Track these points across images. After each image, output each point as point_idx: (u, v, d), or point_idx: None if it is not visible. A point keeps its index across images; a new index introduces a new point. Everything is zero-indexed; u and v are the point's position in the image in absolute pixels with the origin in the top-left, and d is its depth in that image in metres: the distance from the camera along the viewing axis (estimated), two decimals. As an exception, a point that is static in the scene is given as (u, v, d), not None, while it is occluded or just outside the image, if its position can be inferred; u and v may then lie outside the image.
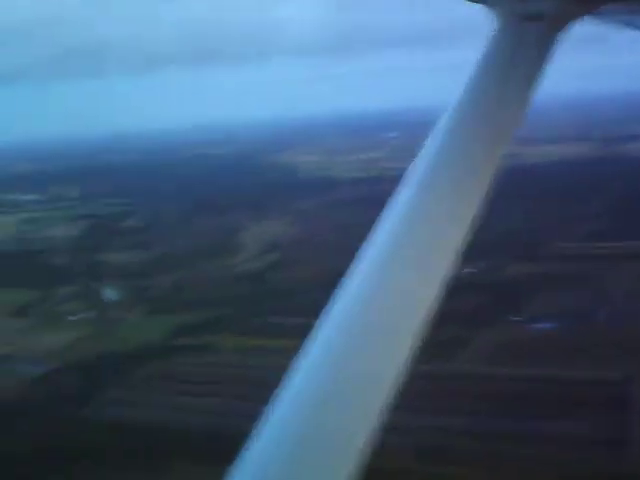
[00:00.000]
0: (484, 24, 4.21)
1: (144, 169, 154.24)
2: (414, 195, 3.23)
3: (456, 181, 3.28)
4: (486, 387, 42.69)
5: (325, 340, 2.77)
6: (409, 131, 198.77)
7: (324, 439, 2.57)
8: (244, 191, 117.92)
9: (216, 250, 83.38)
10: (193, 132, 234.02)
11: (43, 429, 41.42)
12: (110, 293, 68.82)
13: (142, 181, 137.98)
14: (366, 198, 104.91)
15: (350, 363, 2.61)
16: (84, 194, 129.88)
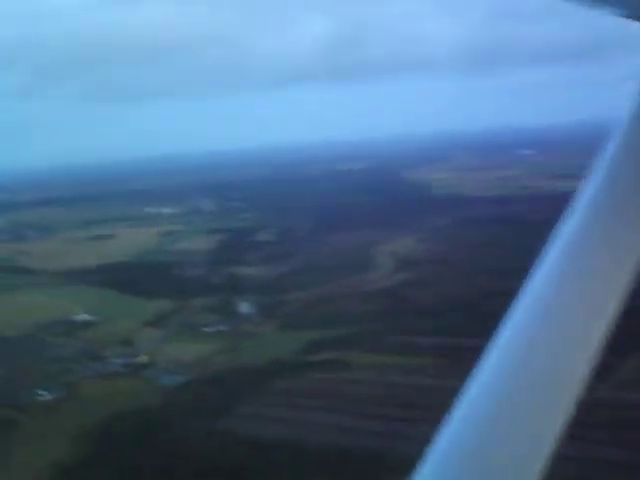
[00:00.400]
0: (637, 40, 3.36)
1: (277, 183, 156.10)
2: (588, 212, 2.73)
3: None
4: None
5: (499, 361, 2.54)
6: (545, 149, 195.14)
7: (499, 463, 2.35)
8: (376, 207, 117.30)
9: (349, 266, 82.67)
10: (325, 148, 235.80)
11: (179, 442, 41.47)
12: (244, 307, 69.11)
13: (275, 195, 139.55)
14: (501, 217, 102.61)
15: (526, 386, 2.42)
16: (219, 208, 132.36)
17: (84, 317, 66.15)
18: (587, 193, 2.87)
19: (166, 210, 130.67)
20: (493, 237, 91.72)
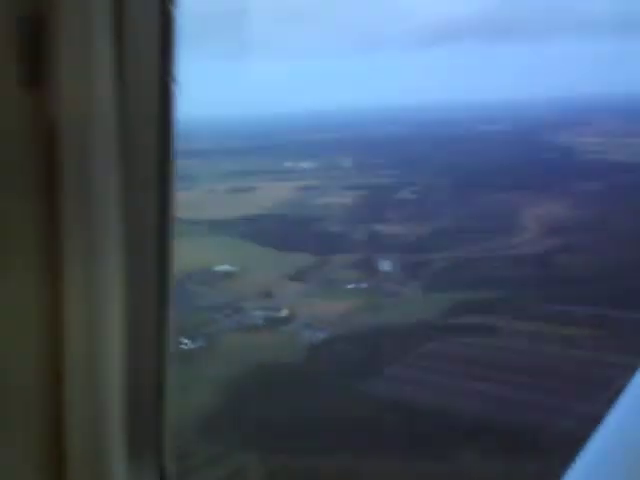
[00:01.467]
0: None
1: (417, 142, 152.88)
2: None
3: None
4: None
5: None
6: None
7: None
8: (520, 170, 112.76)
9: (495, 229, 79.58)
10: (467, 108, 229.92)
11: (322, 402, 40.37)
12: (386, 265, 67.37)
13: (415, 154, 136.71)
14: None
15: None
16: (357, 164, 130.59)
17: (226, 268, 65.98)
18: None
19: (305, 165, 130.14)
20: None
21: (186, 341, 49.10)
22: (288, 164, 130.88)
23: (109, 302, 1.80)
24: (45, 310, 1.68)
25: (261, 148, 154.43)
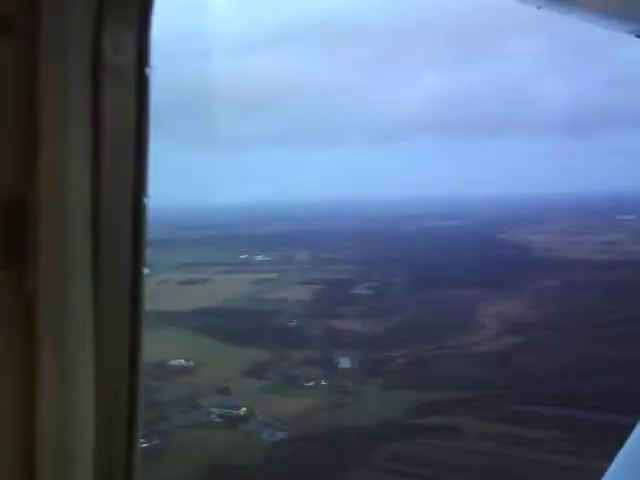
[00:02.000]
0: None
1: (370, 237, 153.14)
2: None
3: None
4: None
5: None
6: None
7: None
8: (474, 267, 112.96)
9: (452, 326, 78.91)
10: (419, 203, 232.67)
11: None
12: (345, 362, 65.94)
13: (369, 249, 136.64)
14: (609, 283, 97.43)
15: None
16: (312, 258, 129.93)
17: (181, 362, 63.91)
18: None
19: (260, 258, 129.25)
20: (604, 304, 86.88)
21: (140, 439, 46.75)
22: (243, 256, 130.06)
23: (81, 364, 1.94)
24: (18, 383, 1.79)
25: (215, 239, 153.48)
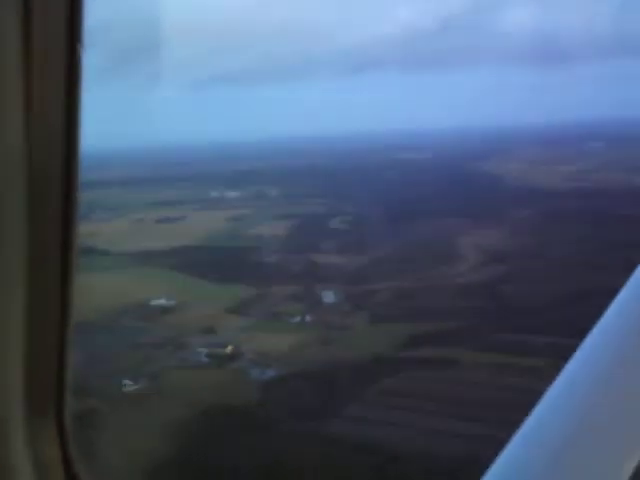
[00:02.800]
0: None
1: (340, 171, 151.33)
2: None
3: None
4: None
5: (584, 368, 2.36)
6: (615, 142, 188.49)
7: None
8: (448, 198, 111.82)
9: (433, 258, 78.11)
10: (390, 136, 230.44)
11: (279, 446, 37.40)
12: (329, 296, 64.99)
13: (340, 183, 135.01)
14: (587, 211, 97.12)
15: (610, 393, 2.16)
16: (283, 194, 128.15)
17: (163, 302, 62.53)
18: None
19: (231, 194, 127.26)
20: (581, 231, 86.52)
21: (128, 382, 45.61)
22: (215, 194, 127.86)
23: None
24: None
25: (183, 177, 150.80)
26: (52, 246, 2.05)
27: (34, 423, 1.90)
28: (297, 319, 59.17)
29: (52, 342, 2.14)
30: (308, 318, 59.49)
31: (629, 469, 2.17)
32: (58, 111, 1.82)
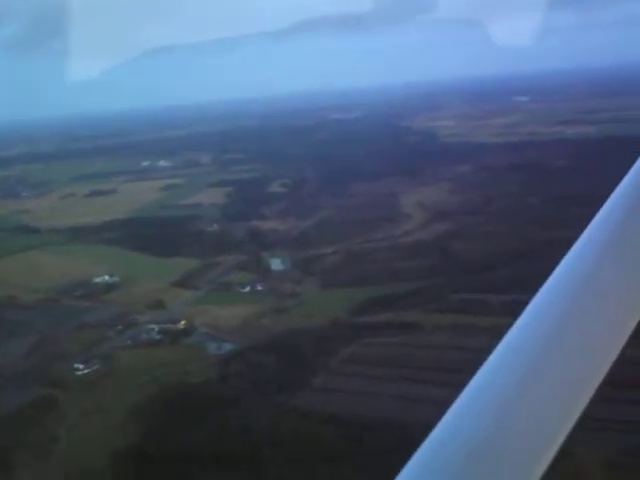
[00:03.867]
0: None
1: (272, 133, 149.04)
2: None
3: None
4: None
5: (527, 332, 2.30)
6: (540, 95, 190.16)
7: (511, 440, 2.13)
8: (383, 156, 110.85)
9: (377, 218, 77.01)
10: (319, 97, 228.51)
11: (248, 423, 35.82)
12: (277, 263, 63.45)
13: (273, 146, 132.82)
14: (518, 165, 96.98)
15: (551, 358, 2.22)
16: (215, 160, 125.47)
17: (105, 278, 60.12)
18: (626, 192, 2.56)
19: (162, 163, 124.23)
20: (518, 185, 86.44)
21: (79, 365, 43.38)
22: (145, 163, 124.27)
23: None
24: None
25: (112, 147, 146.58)
26: None
27: None
28: (247, 289, 57.50)
29: None
30: (259, 287, 57.86)
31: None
32: None
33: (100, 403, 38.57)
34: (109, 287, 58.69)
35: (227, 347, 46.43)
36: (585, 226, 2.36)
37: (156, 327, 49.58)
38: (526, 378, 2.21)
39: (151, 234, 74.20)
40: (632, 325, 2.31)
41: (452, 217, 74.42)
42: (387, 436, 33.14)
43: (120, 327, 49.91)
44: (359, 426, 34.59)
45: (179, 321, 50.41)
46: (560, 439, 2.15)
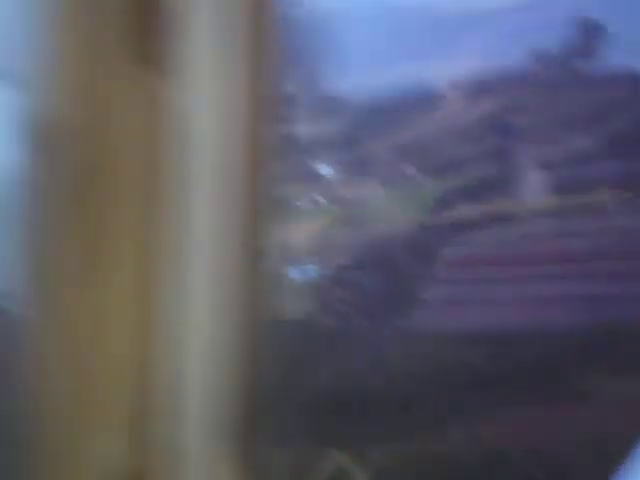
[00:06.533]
0: None
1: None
2: None
3: None
4: None
5: None
6: None
7: None
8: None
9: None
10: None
11: (378, 356, 31.75)
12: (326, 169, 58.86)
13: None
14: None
15: None
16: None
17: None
18: None
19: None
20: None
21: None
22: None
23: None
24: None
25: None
26: None
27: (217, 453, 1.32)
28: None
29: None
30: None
31: None
32: None
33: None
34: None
35: (310, 270, 42.21)
36: None
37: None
38: None
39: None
40: None
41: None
42: (532, 348, 29.27)
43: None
44: (502, 341, 30.64)
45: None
46: None
